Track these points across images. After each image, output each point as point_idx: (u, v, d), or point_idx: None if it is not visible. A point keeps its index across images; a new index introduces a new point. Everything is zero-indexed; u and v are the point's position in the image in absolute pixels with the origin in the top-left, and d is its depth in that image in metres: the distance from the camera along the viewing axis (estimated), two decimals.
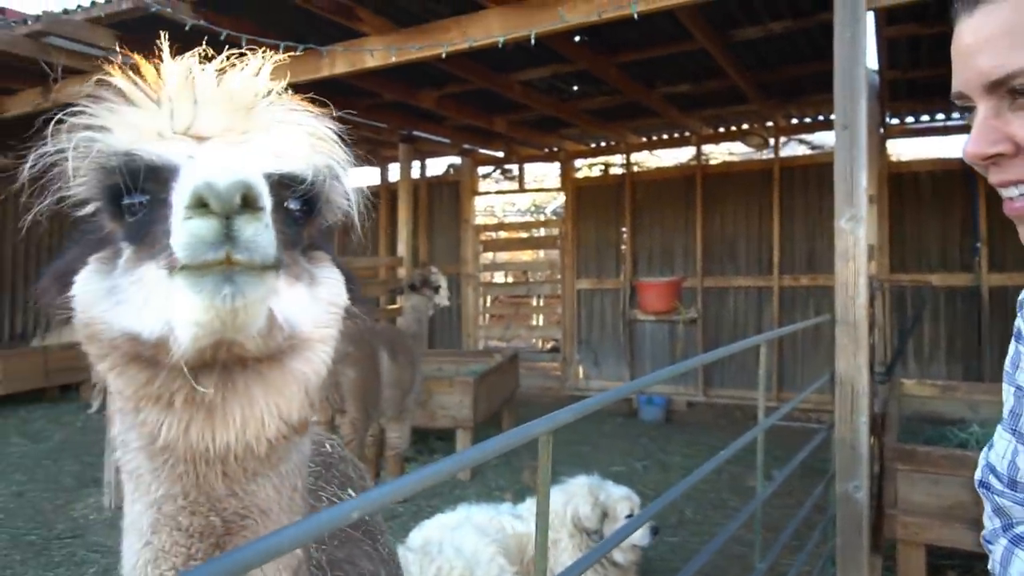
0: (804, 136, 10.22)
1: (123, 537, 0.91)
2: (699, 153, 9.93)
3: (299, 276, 0.81)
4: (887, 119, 8.51)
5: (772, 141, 9.32)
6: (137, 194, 0.78)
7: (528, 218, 15.52)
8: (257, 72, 0.85)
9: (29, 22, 5.32)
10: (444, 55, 4.86)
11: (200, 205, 0.65)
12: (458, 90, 7.55)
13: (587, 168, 12.08)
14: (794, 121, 9.31)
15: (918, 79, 7.17)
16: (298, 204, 0.85)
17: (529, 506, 3.95)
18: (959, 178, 8.12)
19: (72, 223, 0.89)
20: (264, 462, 0.85)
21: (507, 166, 11.93)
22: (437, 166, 12.11)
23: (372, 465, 6.10)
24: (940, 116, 8.55)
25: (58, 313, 0.84)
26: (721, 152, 11.45)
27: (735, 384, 9.28)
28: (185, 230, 0.66)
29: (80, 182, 0.84)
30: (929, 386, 5.34)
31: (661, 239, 9.96)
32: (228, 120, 0.80)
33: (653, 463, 7.03)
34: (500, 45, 4.62)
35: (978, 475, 1.17)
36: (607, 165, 11.84)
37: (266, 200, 0.68)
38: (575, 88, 7.78)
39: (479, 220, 12.14)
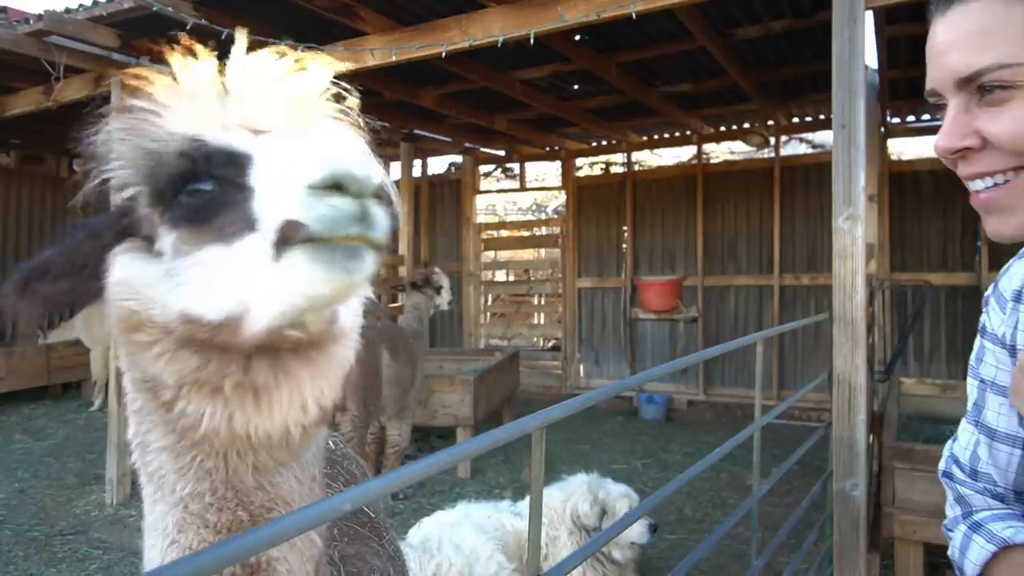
0: (805, 135, 10.19)
1: (144, 537, 0.92)
2: (700, 152, 9.92)
3: None
4: (888, 118, 8.50)
5: (773, 140, 9.31)
6: (204, 179, 0.79)
7: (529, 217, 15.50)
8: (311, 70, 0.87)
9: (31, 21, 5.34)
10: (444, 54, 4.88)
11: (331, 187, 0.69)
12: (459, 89, 7.56)
13: (588, 167, 12.08)
14: (795, 120, 9.29)
15: (919, 78, 7.16)
16: None
17: (528, 503, 3.96)
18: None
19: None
20: (292, 451, 0.87)
21: (508, 165, 11.93)
22: (438, 165, 12.14)
23: (373, 463, 6.11)
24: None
25: (26, 317, 0.85)
26: (722, 151, 11.43)
27: (736, 383, 9.29)
28: (324, 205, 0.69)
29: (125, 166, 0.85)
30: (929, 385, 5.34)
31: (662, 238, 9.95)
32: (286, 115, 0.82)
33: (653, 461, 7.04)
34: (500, 44, 4.64)
35: (942, 466, 1.20)
36: (608, 164, 11.84)
37: (389, 186, 0.75)
38: (576, 87, 7.79)
39: (480, 219, 12.13)
